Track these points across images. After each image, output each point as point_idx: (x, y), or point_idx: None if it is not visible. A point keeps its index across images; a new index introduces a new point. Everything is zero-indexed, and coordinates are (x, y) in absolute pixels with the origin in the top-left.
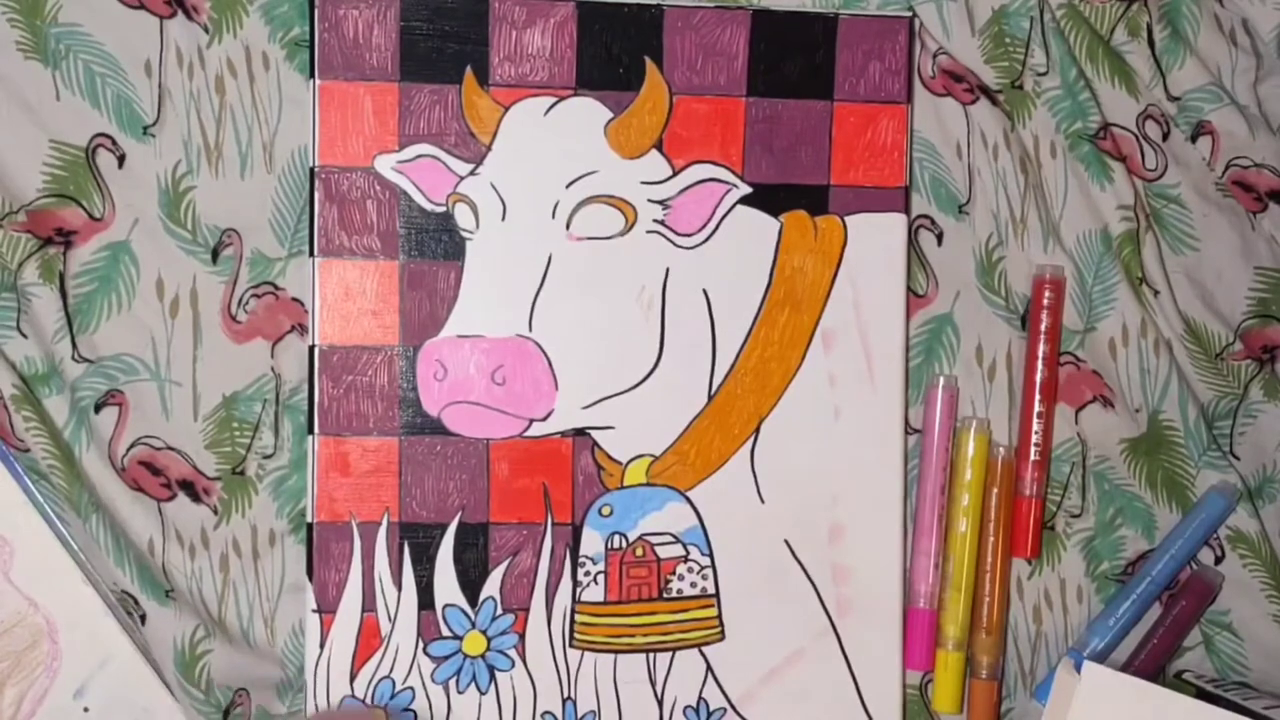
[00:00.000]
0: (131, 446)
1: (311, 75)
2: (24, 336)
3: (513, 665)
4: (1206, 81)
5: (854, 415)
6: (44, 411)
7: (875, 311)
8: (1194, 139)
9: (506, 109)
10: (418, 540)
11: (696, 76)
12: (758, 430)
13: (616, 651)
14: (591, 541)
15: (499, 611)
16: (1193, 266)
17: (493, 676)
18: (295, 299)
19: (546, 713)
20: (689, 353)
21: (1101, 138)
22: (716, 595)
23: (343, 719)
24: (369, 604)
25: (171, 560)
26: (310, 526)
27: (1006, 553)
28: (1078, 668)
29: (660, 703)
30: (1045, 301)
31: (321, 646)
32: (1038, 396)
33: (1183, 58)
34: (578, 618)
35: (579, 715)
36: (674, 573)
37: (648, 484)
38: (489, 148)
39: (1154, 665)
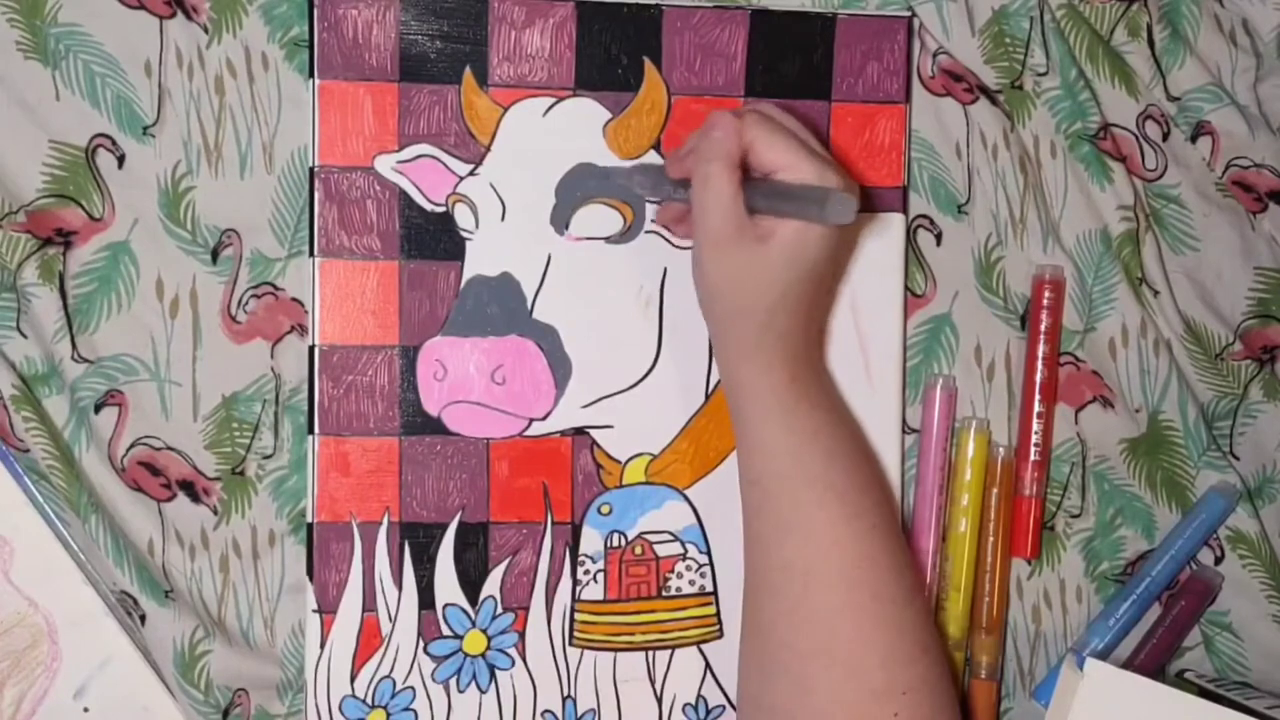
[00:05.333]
0: (131, 447)
1: (311, 75)
2: (24, 336)
3: (513, 664)
4: (1206, 81)
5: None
6: (44, 412)
7: (873, 311)
8: (1194, 139)
9: (505, 109)
10: (418, 540)
11: (695, 77)
12: None
13: (616, 650)
14: (591, 540)
15: (499, 610)
16: (1193, 266)
17: (493, 675)
18: (295, 299)
19: (547, 711)
20: (687, 352)
21: (1101, 138)
22: (715, 593)
23: None
24: (369, 604)
25: (171, 560)
26: (310, 527)
27: (1006, 553)
28: (1081, 665)
29: (659, 701)
30: (1045, 301)
31: (322, 647)
32: (1037, 396)
33: (1183, 58)
34: (577, 616)
35: (579, 714)
36: (673, 571)
37: (646, 483)
38: (488, 148)
39: (1154, 665)
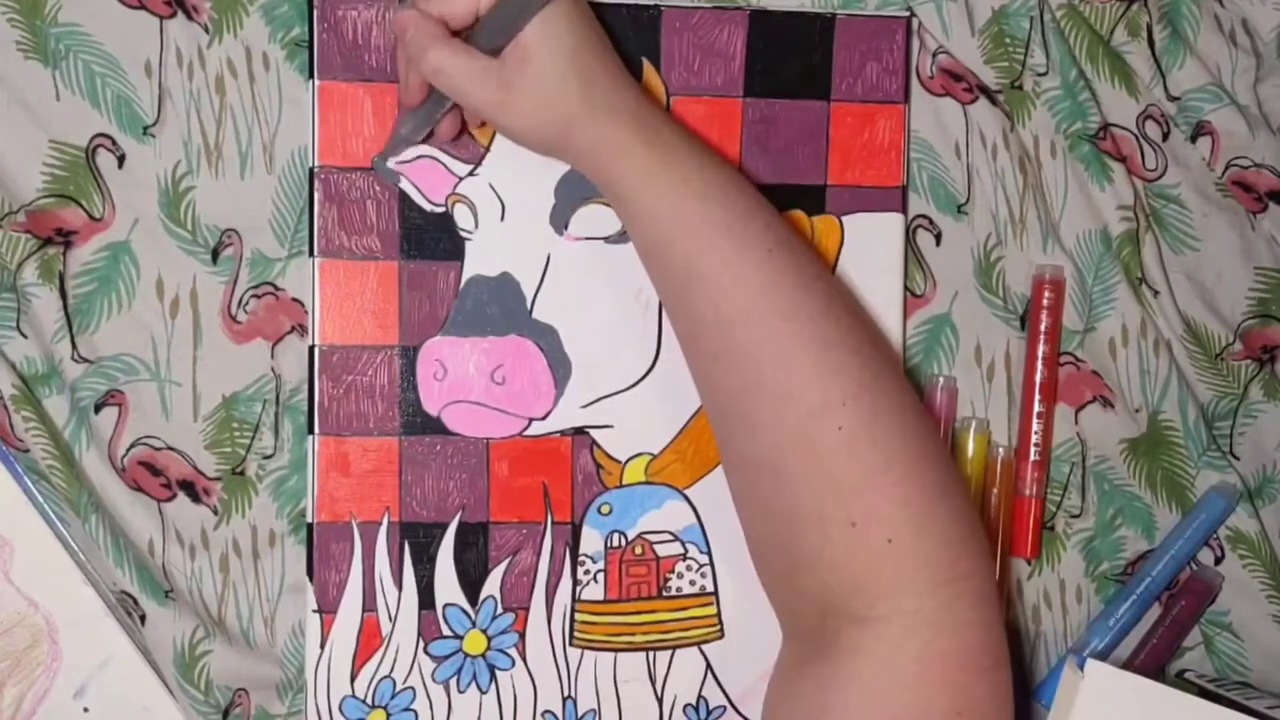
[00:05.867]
0: (131, 447)
1: (311, 76)
2: (24, 336)
3: (513, 664)
4: (1206, 81)
5: None
6: (44, 411)
7: (873, 311)
8: (1194, 139)
9: None
10: (418, 540)
11: (694, 77)
12: None
13: (616, 650)
14: (591, 540)
15: (499, 610)
16: (1193, 266)
17: (493, 676)
18: (295, 299)
19: (547, 712)
20: None
21: (1101, 138)
22: (715, 593)
23: None
24: (369, 604)
25: (171, 560)
26: (310, 527)
27: (1006, 553)
28: (1081, 666)
29: (660, 701)
30: (1045, 301)
31: (322, 647)
32: (1037, 396)
33: (1183, 58)
34: (578, 616)
35: (579, 714)
36: (673, 571)
37: (646, 482)
38: (487, 148)
39: (1154, 665)
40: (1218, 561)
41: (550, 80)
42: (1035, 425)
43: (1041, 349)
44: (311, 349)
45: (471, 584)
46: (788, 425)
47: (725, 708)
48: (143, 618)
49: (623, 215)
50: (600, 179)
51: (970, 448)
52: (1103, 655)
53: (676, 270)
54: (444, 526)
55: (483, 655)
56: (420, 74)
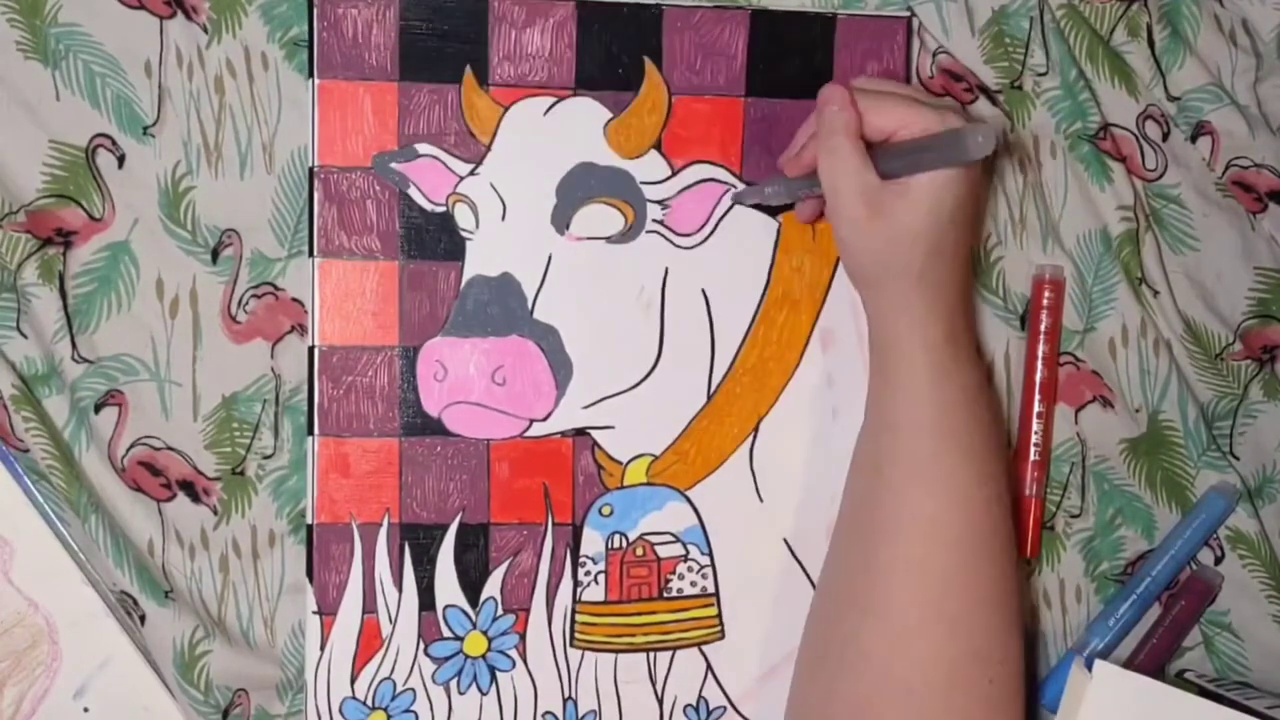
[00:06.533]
0: (131, 447)
1: (311, 75)
2: (24, 336)
3: (513, 665)
4: (1206, 81)
5: (852, 415)
6: (44, 412)
7: None
8: (1194, 139)
9: (506, 109)
10: (418, 541)
11: (695, 76)
12: (756, 429)
13: (617, 651)
14: (592, 541)
15: (500, 612)
16: (1193, 266)
17: (494, 677)
18: (295, 299)
19: (547, 713)
20: (688, 352)
21: (1101, 138)
22: (716, 595)
23: None
24: (369, 605)
25: (171, 560)
26: (310, 528)
27: None
28: (1089, 666)
29: (660, 702)
30: (1045, 301)
31: (322, 648)
32: (1037, 396)
33: (1183, 58)
34: (578, 617)
35: (580, 715)
36: (674, 572)
37: (648, 484)
38: (488, 148)
39: (1154, 665)
40: (1218, 561)
41: (909, 233)
42: (1035, 425)
43: (1041, 349)
44: (311, 349)
45: (472, 585)
46: (948, 655)
47: (725, 708)
48: (143, 618)
49: (880, 380)
50: (883, 337)
51: None
52: (1103, 655)
53: (915, 461)
54: (444, 528)
55: (483, 656)
56: (818, 147)
